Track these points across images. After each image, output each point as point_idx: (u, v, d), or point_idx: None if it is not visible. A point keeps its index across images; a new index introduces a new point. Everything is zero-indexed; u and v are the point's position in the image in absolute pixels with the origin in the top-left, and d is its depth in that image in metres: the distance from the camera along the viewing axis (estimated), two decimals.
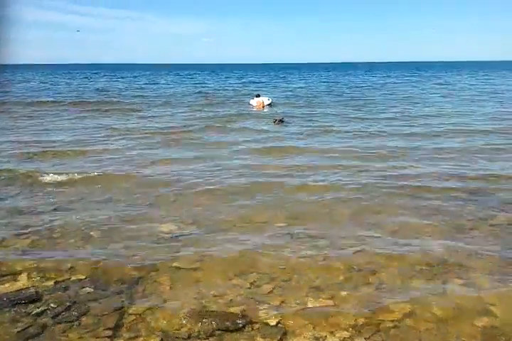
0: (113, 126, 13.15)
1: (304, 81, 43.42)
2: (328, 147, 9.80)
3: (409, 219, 5.27)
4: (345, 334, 3.06)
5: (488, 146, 9.62)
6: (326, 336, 3.04)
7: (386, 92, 26.87)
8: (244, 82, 41.50)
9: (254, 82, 41.11)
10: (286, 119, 13.91)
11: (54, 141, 10.57)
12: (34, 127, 12.97)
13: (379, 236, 4.75)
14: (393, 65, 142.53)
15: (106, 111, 17.41)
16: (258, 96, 19.06)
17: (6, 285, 3.71)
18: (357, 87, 32.28)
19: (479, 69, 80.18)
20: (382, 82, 40.84)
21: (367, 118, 14.75)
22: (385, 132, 11.78)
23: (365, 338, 3.02)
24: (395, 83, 38.12)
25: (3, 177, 7.20)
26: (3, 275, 3.88)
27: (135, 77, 55.86)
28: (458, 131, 11.69)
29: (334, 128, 12.56)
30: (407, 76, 53.02)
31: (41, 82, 39.73)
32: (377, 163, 8.11)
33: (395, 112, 16.44)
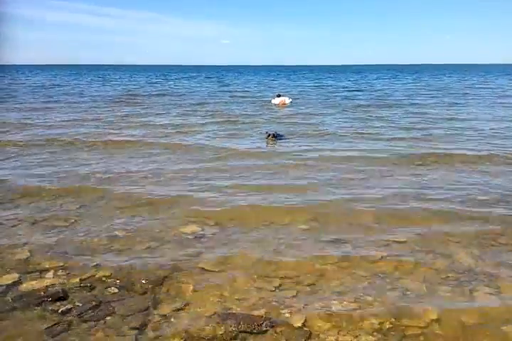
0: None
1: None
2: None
3: (435, 225, 5.18)
4: (371, 338, 3.02)
5: None
6: (351, 340, 3.01)
7: None
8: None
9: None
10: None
11: None
12: None
13: (404, 242, 4.69)
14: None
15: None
16: (279, 96, 20.57)
17: (33, 282, 3.78)
18: None
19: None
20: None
21: None
22: None
23: None
24: None
25: None
26: (30, 272, 3.97)
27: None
28: None
29: None
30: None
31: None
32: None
33: None
